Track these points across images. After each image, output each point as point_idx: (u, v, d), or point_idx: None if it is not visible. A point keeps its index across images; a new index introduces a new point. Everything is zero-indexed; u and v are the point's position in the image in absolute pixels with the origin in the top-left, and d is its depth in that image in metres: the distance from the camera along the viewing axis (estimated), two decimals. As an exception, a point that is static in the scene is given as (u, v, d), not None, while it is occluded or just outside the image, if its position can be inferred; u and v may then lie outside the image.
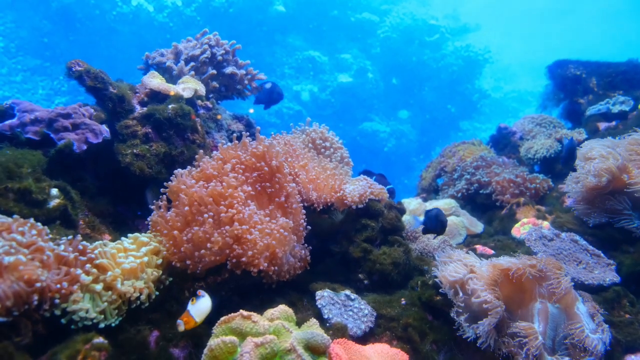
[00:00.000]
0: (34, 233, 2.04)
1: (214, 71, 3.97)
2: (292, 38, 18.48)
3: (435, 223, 3.04)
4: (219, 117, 3.78)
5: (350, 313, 2.51)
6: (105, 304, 2.09)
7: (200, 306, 2.09)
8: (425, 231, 3.16)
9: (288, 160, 3.15)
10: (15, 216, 2.08)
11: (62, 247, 2.11)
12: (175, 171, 2.75)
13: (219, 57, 3.99)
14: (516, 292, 2.45)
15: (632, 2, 26.75)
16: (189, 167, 2.83)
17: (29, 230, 2.03)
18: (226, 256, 2.43)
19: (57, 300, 1.95)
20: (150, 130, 3.14)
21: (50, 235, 2.14)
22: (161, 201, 2.67)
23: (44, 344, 1.94)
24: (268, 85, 4.15)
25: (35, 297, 1.86)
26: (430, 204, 4.42)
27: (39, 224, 2.13)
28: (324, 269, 3.06)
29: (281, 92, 4.21)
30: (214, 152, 3.06)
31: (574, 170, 3.50)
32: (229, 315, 1.99)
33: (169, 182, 2.70)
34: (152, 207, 2.69)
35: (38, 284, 1.86)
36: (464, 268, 2.53)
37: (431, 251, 3.54)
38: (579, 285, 2.86)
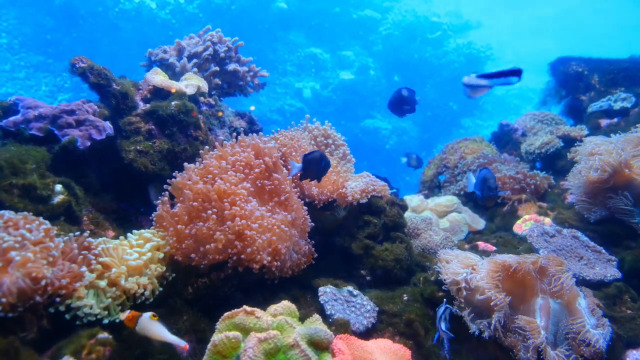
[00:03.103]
0: (42, 229, 2.05)
1: (217, 68, 3.98)
2: (294, 35, 18.46)
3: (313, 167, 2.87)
4: (220, 114, 3.79)
5: (353, 309, 2.53)
6: (109, 300, 2.10)
7: (152, 325, 1.94)
8: (304, 176, 2.91)
9: (293, 154, 3.16)
10: (25, 213, 2.10)
11: (68, 243, 2.12)
12: (186, 164, 2.76)
13: (222, 54, 4.00)
14: (518, 288, 2.46)
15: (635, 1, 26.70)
16: (197, 162, 2.85)
17: (37, 227, 2.05)
18: (229, 254, 2.45)
19: (58, 299, 1.97)
20: (153, 126, 3.15)
21: (55, 232, 2.16)
22: (164, 197, 2.69)
23: (49, 339, 1.95)
24: (405, 93, 3.46)
25: (40, 294, 1.88)
26: (432, 201, 4.43)
27: (47, 222, 2.14)
28: (327, 265, 3.07)
29: (414, 105, 3.47)
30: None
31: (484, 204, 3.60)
32: (233, 311, 1.99)
33: (174, 179, 2.72)
34: (157, 202, 2.71)
35: (43, 281, 1.87)
36: (466, 265, 2.54)
37: (433, 247, 3.55)
38: (581, 281, 2.87)
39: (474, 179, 2.91)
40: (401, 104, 3.46)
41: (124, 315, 1.95)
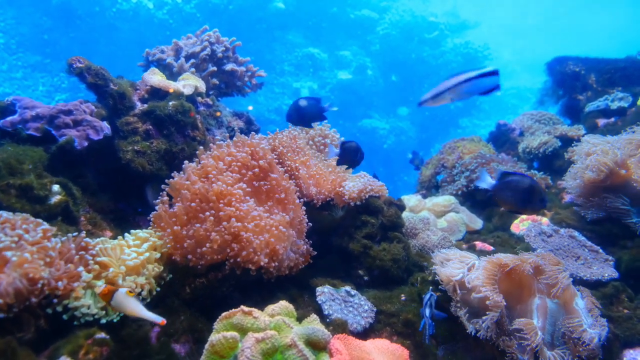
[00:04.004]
0: (40, 229, 2.05)
1: (214, 68, 3.98)
2: (291, 35, 18.47)
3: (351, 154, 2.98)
4: (217, 114, 3.79)
5: (351, 309, 2.53)
6: (107, 299, 2.10)
7: (128, 300, 1.92)
8: (340, 162, 3.06)
9: (289, 154, 3.16)
10: (25, 214, 2.10)
11: (65, 244, 2.12)
12: (186, 163, 2.76)
13: (219, 54, 4.00)
14: (515, 287, 2.46)
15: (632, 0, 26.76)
16: (194, 162, 2.85)
17: (35, 228, 2.05)
18: (226, 254, 2.45)
19: (55, 300, 1.97)
20: (150, 127, 3.15)
21: (53, 232, 2.15)
22: (163, 197, 2.69)
23: (47, 340, 1.95)
24: (302, 103, 3.31)
25: (37, 294, 1.88)
26: (430, 200, 4.43)
27: (44, 222, 2.14)
28: (325, 265, 3.07)
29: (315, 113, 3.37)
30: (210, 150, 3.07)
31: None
32: (230, 311, 2.00)
33: (172, 179, 2.71)
34: (155, 202, 2.70)
35: (41, 282, 1.87)
36: (462, 265, 2.54)
37: (431, 247, 3.55)
38: (578, 281, 2.87)
39: (489, 178, 2.82)
40: (300, 115, 3.33)
41: (99, 289, 1.93)
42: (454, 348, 2.46)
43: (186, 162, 2.78)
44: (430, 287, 2.49)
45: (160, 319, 1.90)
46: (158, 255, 2.44)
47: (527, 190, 2.63)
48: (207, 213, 2.48)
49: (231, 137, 3.01)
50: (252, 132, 3.15)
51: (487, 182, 2.75)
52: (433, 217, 4.16)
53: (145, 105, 3.23)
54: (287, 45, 18.38)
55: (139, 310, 1.91)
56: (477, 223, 4.18)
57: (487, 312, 2.26)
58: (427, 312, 2.26)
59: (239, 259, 2.41)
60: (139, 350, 2.10)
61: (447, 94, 1.94)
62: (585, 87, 5.45)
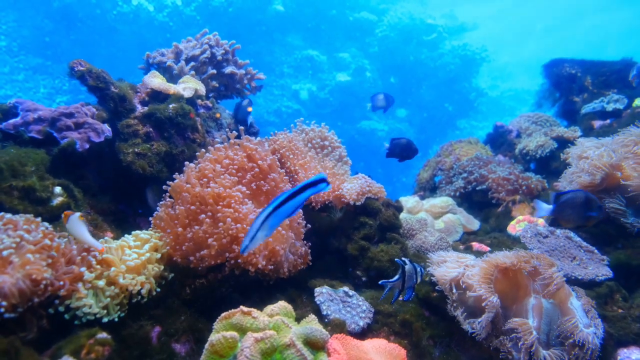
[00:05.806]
0: (41, 230, 2.08)
1: (214, 71, 4.01)
2: (291, 37, 18.48)
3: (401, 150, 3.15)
4: (217, 116, 3.82)
5: (349, 309, 2.55)
6: (108, 299, 2.13)
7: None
8: (389, 155, 3.29)
9: (290, 157, 3.19)
10: (29, 216, 2.13)
11: (68, 245, 2.15)
12: (187, 164, 2.79)
13: (219, 57, 4.03)
14: (510, 287, 2.49)
15: (628, 3, 26.77)
16: (194, 164, 2.88)
17: (36, 229, 2.07)
18: (226, 258, 2.47)
19: (57, 301, 2.00)
20: (151, 129, 3.18)
21: (57, 234, 2.18)
22: (166, 199, 2.71)
23: (49, 339, 1.98)
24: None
25: (40, 295, 1.91)
26: (428, 202, 4.46)
27: (47, 224, 2.17)
28: (323, 266, 3.10)
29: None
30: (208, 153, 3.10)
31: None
32: (230, 311, 2.02)
33: (173, 181, 2.74)
34: (157, 204, 2.73)
35: (43, 283, 1.90)
36: (458, 265, 2.57)
37: (428, 248, 3.57)
38: (573, 281, 2.90)
39: (545, 205, 2.89)
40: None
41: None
42: (451, 347, 2.49)
43: (186, 163, 2.81)
44: (409, 259, 2.47)
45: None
46: (158, 255, 2.47)
47: (585, 203, 2.78)
48: (203, 216, 2.51)
49: (228, 139, 3.04)
50: (245, 136, 3.15)
51: (545, 209, 2.84)
52: (430, 218, 4.19)
53: (146, 108, 3.26)
54: (287, 48, 18.39)
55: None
56: (474, 224, 4.21)
57: (483, 312, 2.29)
58: (396, 277, 2.34)
59: (239, 261, 2.44)
60: (139, 350, 2.13)
61: (260, 234, 1.92)
62: (582, 89, 5.48)
